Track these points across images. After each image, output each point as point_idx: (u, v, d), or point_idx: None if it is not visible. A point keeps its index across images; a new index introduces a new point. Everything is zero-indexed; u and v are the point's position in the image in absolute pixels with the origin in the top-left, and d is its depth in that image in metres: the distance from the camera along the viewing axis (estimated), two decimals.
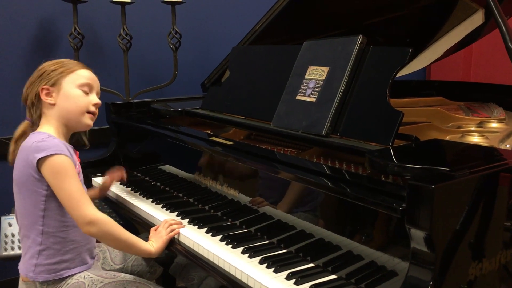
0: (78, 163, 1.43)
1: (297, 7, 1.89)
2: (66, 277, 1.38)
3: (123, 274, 1.45)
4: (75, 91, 1.42)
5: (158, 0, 2.39)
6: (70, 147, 1.41)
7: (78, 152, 1.47)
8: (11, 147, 1.43)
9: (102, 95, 2.36)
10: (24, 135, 1.42)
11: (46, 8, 2.34)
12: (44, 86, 1.40)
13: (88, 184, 1.99)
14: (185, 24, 2.64)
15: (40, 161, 1.29)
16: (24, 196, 1.34)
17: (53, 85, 1.40)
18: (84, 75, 1.45)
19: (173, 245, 1.41)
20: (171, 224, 1.44)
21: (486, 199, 1.00)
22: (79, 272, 1.40)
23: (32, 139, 1.34)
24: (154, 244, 1.40)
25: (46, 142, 1.32)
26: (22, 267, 1.40)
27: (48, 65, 1.44)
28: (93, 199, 1.68)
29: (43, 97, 1.40)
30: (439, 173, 0.96)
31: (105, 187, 1.80)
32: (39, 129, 1.40)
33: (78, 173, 1.39)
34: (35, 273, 1.36)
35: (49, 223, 1.34)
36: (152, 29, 2.63)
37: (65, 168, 1.30)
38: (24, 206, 1.35)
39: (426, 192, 0.88)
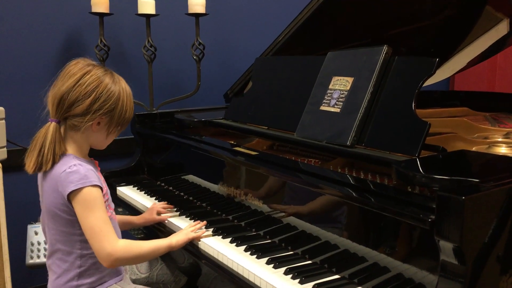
0: (102, 179, 1.39)
1: (320, 18, 1.89)
2: None
3: None
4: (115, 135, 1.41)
5: (182, 12, 2.43)
6: (91, 164, 1.38)
7: (97, 162, 1.44)
8: (37, 158, 1.31)
9: None
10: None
11: (74, 20, 2.40)
12: (104, 122, 1.34)
13: (112, 193, 2.01)
14: (208, 36, 2.67)
15: (70, 194, 1.27)
16: (60, 224, 1.33)
17: (109, 126, 1.36)
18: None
19: (198, 254, 1.42)
20: (197, 226, 1.47)
21: None
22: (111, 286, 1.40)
23: (61, 168, 1.30)
24: (174, 237, 1.41)
25: (75, 172, 1.28)
26: (57, 287, 1.37)
27: (126, 103, 1.36)
28: (132, 225, 1.68)
29: (93, 127, 1.33)
30: (468, 185, 0.95)
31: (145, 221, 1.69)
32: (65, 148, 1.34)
33: (105, 193, 1.36)
34: None
35: (87, 246, 1.32)
36: (176, 41, 2.66)
37: (92, 201, 1.28)
38: (60, 234, 1.34)
39: (457, 203, 0.87)
